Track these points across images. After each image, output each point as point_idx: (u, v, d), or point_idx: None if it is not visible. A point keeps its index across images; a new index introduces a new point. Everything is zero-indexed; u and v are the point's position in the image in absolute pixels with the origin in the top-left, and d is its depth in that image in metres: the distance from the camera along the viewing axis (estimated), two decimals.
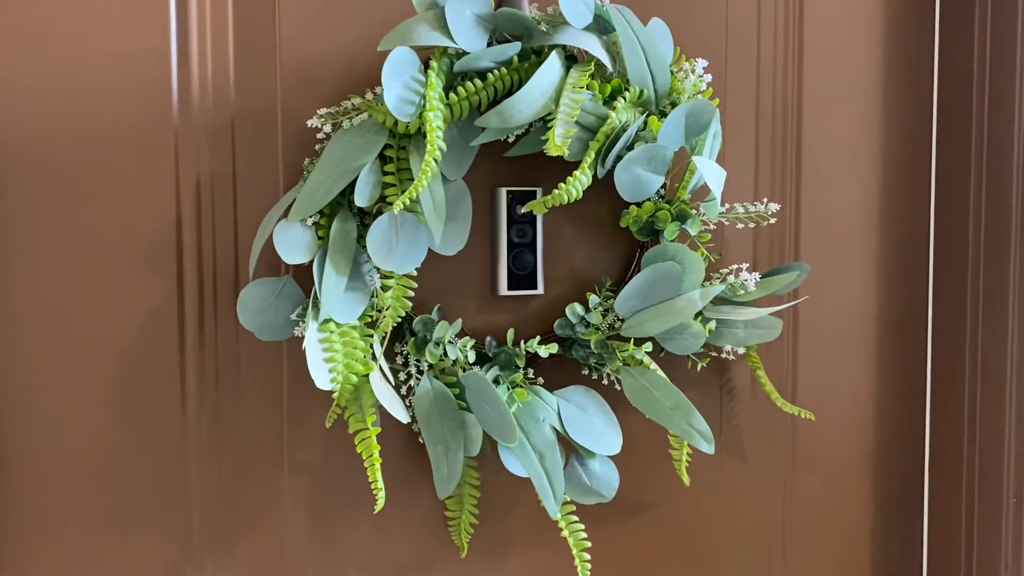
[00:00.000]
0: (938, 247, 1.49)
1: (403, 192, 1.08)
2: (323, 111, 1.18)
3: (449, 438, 1.20)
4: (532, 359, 1.28)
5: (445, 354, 1.21)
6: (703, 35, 1.38)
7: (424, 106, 1.10)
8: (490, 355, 1.27)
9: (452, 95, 1.14)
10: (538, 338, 1.25)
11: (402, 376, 1.25)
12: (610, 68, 1.20)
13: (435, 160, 1.08)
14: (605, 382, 1.31)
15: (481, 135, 1.16)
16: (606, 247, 1.36)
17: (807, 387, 1.46)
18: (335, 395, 1.15)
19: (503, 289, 1.30)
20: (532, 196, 1.29)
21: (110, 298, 1.22)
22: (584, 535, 1.23)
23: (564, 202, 1.12)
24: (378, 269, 1.17)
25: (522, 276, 1.31)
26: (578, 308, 1.28)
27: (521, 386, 1.24)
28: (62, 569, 1.25)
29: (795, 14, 1.42)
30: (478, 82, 1.15)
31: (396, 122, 1.13)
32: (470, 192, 1.21)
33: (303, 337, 1.14)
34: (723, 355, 1.34)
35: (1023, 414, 1.36)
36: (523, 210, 1.16)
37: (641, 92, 1.19)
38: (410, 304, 1.19)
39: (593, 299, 1.28)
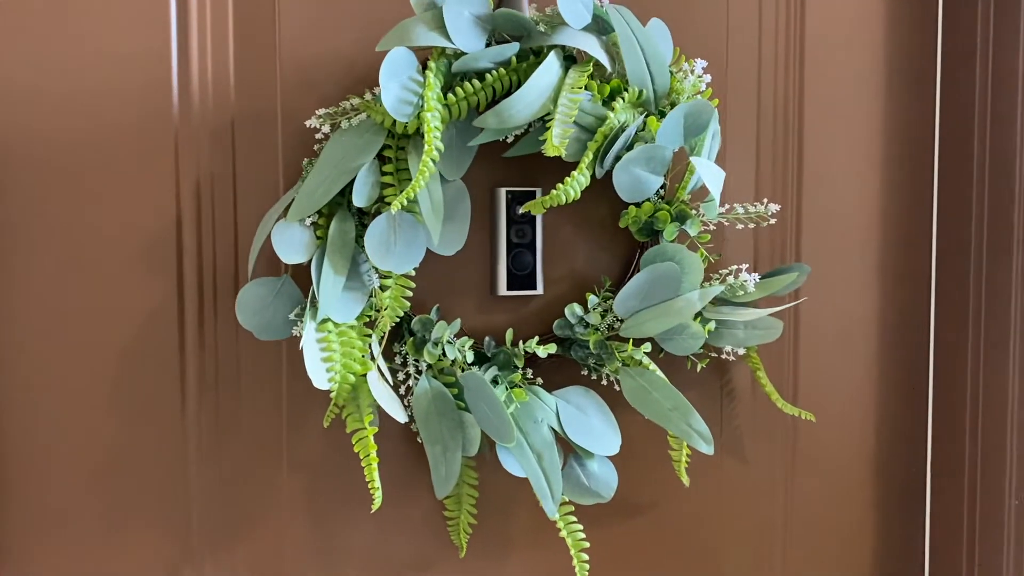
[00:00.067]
0: (940, 248, 1.48)
1: (401, 192, 1.08)
2: (322, 111, 1.18)
3: (447, 438, 1.20)
4: (531, 359, 1.28)
5: (443, 354, 1.21)
6: (704, 35, 1.38)
7: (422, 106, 1.10)
8: (489, 355, 1.27)
9: (450, 96, 1.14)
10: (536, 338, 1.25)
11: (401, 376, 1.25)
12: (609, 68, 1.20)
13: (433, 160, 1.08)
14: (604, 383, 1.31)
15: (479, 135, 1.16)
16: (606, 247, 1.36)
17: (808, 388, 1.46)
18: (333, 395, 1.15)
19: (502, 289, 1.30)
20: (531, 196, 1.29)
21: (110, 298, 1.23)
22: (582, 535, 1.23)
23: (562, 202, 1.12)
24: (376, 269, 1.17)
25: (521, 276, 1.31)
26: (577, 309, 1.28)
27: (519, 386, 1.24)
28: (62, 569, 1.25)
29: (796, 14, 1.41)
30: (476, 83, 1.15)
31: (394, 122, 1.13)
32: (469, 192, 1.21)
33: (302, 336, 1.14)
34: (723, 356, 1.34)
35: None
36: (521, 210, 1.16)
37: (640, 92, 1.19)
38: (408, 304, 1.19)
39: (592, 299, 1.28)
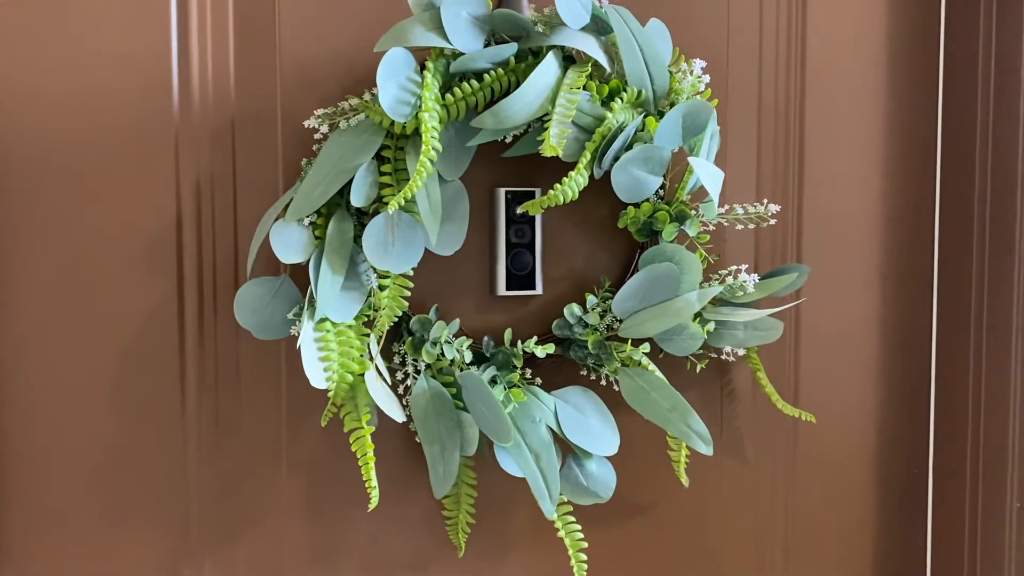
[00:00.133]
0: (942, 249, 1.48)
1: (400, 192, 1.08)
2: (320, 112, 1.18)
3: (445, 437, 1.20)
4: (531, 359, 1.28)
5: (442, 354, 1.22)
6: (704, 35, 1.38)
7: (420, 107, 1.10)
8: (487, 355, 1.27)
9: (448, 96, 1.14)
10: (535, 338, 1.25)
11: (399, 375, 1.25)
12: (608, 69, 1.20)
13: (430, 160, 1.08)
14: (603, 383, 1.30)
15: (477, 136, 1.16)
16: (606, 247, 1.36)
17: (809, 389, 1.46)
18: (330, 394, 1.15)
19: (502, 289, 1.31)
20: (531, 196, 1.29)
21: (110, 298, 1.23)
22: (581, 535, 1.23)
23: (560, 203, 1.12)
24: (375, 269, 1.17)
25: (521, 276, 1.31)
26: (576, 309, 1.28)
27: (518, 386, 1.24)
28: (62, 568, 1.26)
29: (797, 13, 1.41)
30: (475, 83, 1.15)
31: (393, 123, 1.13)
32: (469, 192, 1.21)
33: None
34: (723, 356, 1.34)
35: None
36: (519, 210, 1.16)
37: (639, 93, 1.19)
38: (406, 304, 1.19)
39: (591, 300, 1.28)
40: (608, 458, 1.26)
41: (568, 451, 1.25)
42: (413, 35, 1.10)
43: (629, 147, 1.19)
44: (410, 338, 1.24)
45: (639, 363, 1.24)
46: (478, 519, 1.31)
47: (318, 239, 1.16)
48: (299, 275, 1.18)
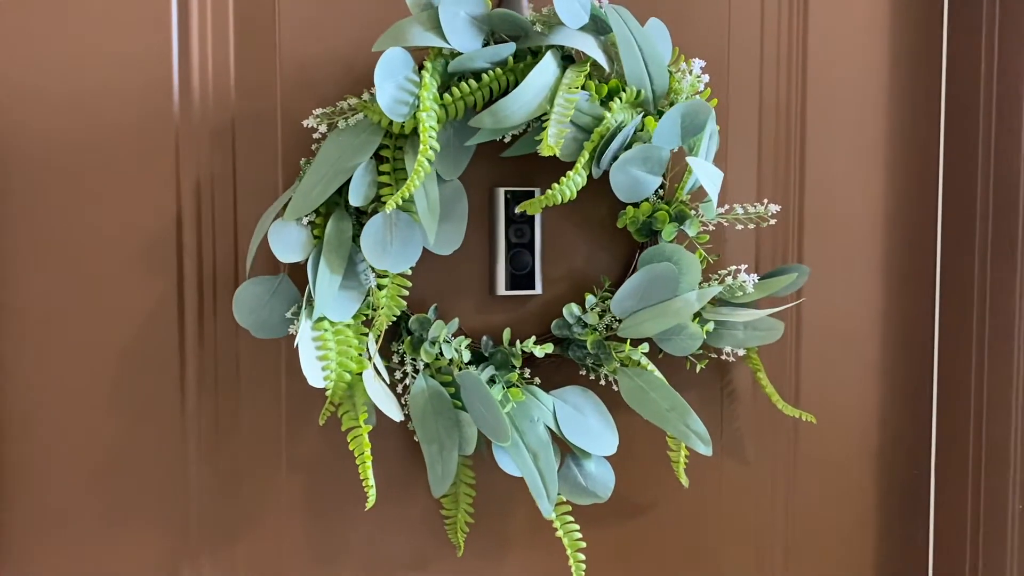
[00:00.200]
0: (944, 249, 1.48)
1: (398, 192, 1.09)
2: (319, 111, 1.18)
3: (444, 437, 1.20)
4: (530, 359, 1.29)
5: (441, 353, 1.22)
6: (705, 34, 1.38)
7: (418, 106, 1.10)
8: (486, 355, 1.27)
9: (447, 96, 1.14)
10: (533, 338, 1.25)
11: (398, 375, 1.25)
12: (607, 68, 1.20)
13: (428, 160, 1.08)
14: (602, 383, 1.30)
15: (475, 135, 1.16)
16: (605, 247, 1.36)
17: (810, 389, 1.46)
18: (328, 393, 1.15)
19: (501, 289, 1.31)
20: (531, 196, 1.29)
21: (110, 298, 1.23)
22: (579, 535, 1.22)
23: (558, 202, 1.12)
24: (373, 268, 1.17)
25: (520, 276, 1.31)
26: (575, 308, 1.28)
27: (516, 386, 1.24)
28: (62, 568, 1.26)
29: (799, 12, 1.41)
30: (473, 83, 1.15)
31: (391, 122, 1.13)
32: (468, 192, 1.22)
33: None
34: (723, 357, 1.34)
35: None
36: (517, 210, 1.16)
37: (638, 92, 1.19)
38: (405, 303, 1.19)
39: (590, 299, 1.28)
40: (607, 458, 1.26)
41: (567, 451, 1.25)
42: (411, 35, 1.10)
43: (628, 147, 1.19)
44: (409, 337, 1.24)
45: (638, 363, 1.24)
46: (477, 518, 1.31)
47: (317, 238, 1.16)
48: (298, 274, 1.18)
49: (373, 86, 1.17)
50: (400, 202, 1.07)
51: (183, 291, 1.25)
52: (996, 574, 1.40)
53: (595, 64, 1.19)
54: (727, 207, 1.33)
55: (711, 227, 1.32)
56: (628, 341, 1.24)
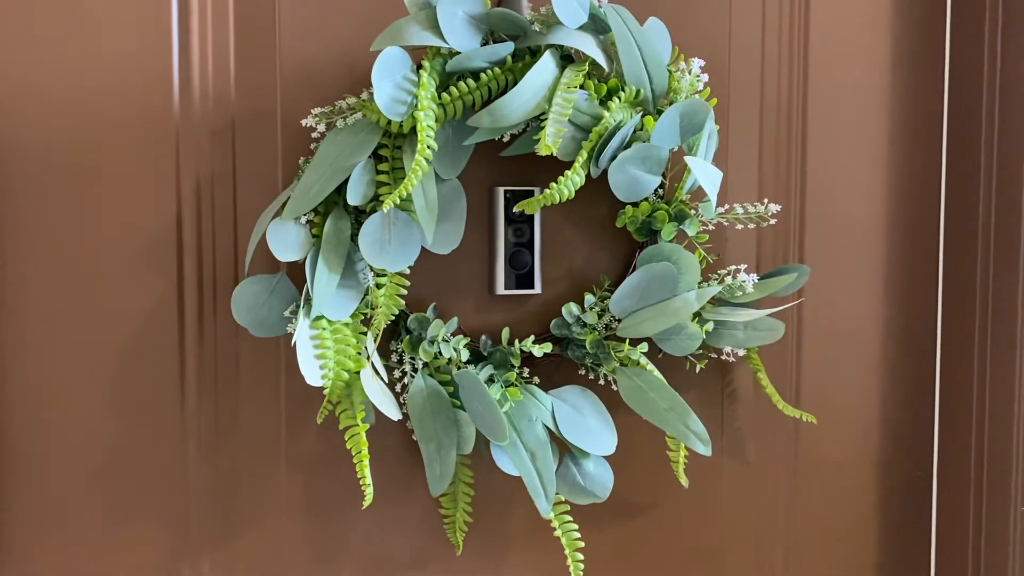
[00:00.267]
0: (947, 249, 1.47)
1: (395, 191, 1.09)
2: (317, 110, 1.19)
3: (442, 436, 1.20)
4: (529, 359, 1.29)
5: (439, 352, 1.22)
6: (706, 33, 1.38)
7: (415, 106, 1.10)
8: (485, 354, 1.27)
9: (445, 95, 1.14)
10: (532, 337, 1.25)
11: (397, 374, 1.25)
12: (606, 68, 1.19)
13: (426, 159, 1.08)
14: (602, 382, 1.30)
15: (473, 135, 1.16)
16: (605, 247, 1.36)
17: (811, 390, 1.45)
18: (326, 391, 1.15)
19: (501, 288, 1.31)
20: (530, 196, 1.28)
21: (110, 298, 1.24)
22: (577, 535, 1.22)
23: (556, 201, 1.12)
24: (371, 267, 1.17)
25: (520, 275, 1.31)
26: (574, 308, 1.28)
27: (515, 385, 1.24)
28: (62, 568, 1.26)
29: (800, 11, 1.41)
30: (471, 82, 1.15)
31: (390, 121, 1.13)
32: (468, 191, 1.22)
33: None
34: (723, 357, 1.33)
35: None
36: (515, 209, 1.16)
37: (637, 92, 1.19)
38: (403, 302, 1.19)
39: (589, 299, 1.28)
40: (607, 458, 1.26)
41: (566, 451, 1.25)
42: (409, 34, 1.10)
43: (627, 146, 1.18)
44: (408, 336, 1.24)
45: (637, 363, 1.23)
46: (476, 518, 1.31)
47: (315, 237, 1.16)
48: (296, 273, 1.18)
49: (372, 85, 1.18)
50: (398, 201, 1.08)
51: (183, 291, 1.26)
52: (998, 574, 1.39)
53: (594, 63, 1.19)
54: (727, 207, 1.32)
55: (711, 227, 1.31)
56: (627, 341, 1.24)
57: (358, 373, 1.15)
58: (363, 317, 1.20)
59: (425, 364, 1.24)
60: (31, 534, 1.25)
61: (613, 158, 1.17)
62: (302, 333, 1.13)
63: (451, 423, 1.21)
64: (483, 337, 1.29)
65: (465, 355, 1.22)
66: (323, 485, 1.31)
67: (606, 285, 1.31)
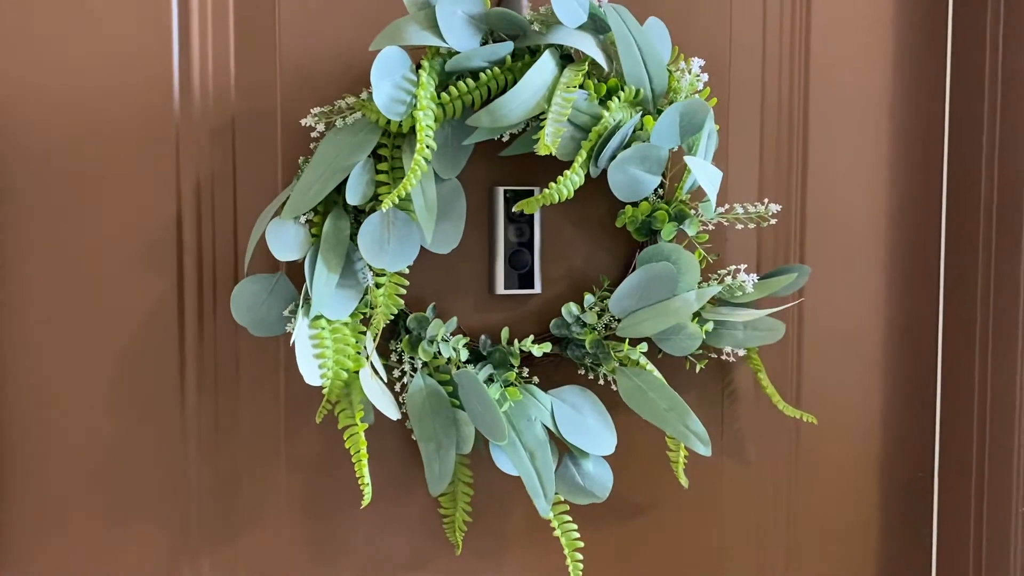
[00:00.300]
0: (949, 249, 1.47)
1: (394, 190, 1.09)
2: (317, 110, 1.19)
3: (441, 435, 1.20)
4: (529, 358, 1.28)
5: (439, 352, 1.21)
6: (707, 33, 1.38)
7: (415, 105, 1.10)
8: (484, 354, 1.27)
9: (444, 95, 1.14)
10: (532, 337, 1.25)
11: (396, 373, 1.25)
12: (606, 67, 1.19)
13: (425, 159, 1.08)
14: (601, 382, 1.30)
15: (473, 134, 1.16)
16: (605, 246, 1.35)
17: (812, 390, 1.45)
18: (325, 391, 1.15)
19: (500, 288, 1.31)
20: (530, 195, 1.29)
21: (110, 298, 1.24)
22: (577, 535, 1.22)
23: (555, 201, 1.12)
24: (371, 267, 1.17)
25: (520, 275, 1.31)
26: (573, 308, 1.27)
27: (514, 385, 1.24)
28: (62, 568, 1.26)
29: (802, 10, 1.41)
30: (471, 82, 1.15)
31: (389, 121, 1.13)
32: (468, 191, 1.22)
33: None
34: (723, 357, 1.33)
35: None
36: (514, 209, 1.15)
37: (637, 92, 1.19)
38: (402, 302, 1.19)
39: (589, 299, 1.27)
40: (607, 458, 1.26)
41: (565, 450, 1.25)
42: (408, 34, 1.10)
43: (627, 146, 1.18)
44: (407, 336, 1.24)
45: (637, 363, 1.23)
46: (475, 517, 1.31)
47: (314, 237, 1.16)
48: (296, 272, 1.18)
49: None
50: (396, 200, 1.08)
51: (183, 290, 1.26)
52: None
53: (594, 63, 1.19)
54: (727, 207, 1.32)
55: (711, 227, 1.31)
56: (627, 341, 1.24)
57: (357, 373, 1.15)
58: (362, 317, 1.20)
59: (424, 364, 1.24)
60: (31, 534, 1.25)
61: (612, 158, 1.17)
62: (301, 332, 1.13)
63: (450, 423, 1.21)
64: (482, 337, 1.29)
65: (464, 355, 1.22)
66: (323, 485, 1.31)
67: (606, 285, 1.31)
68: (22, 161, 1.20)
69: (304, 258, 1.15)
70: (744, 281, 1.25)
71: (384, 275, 1.18)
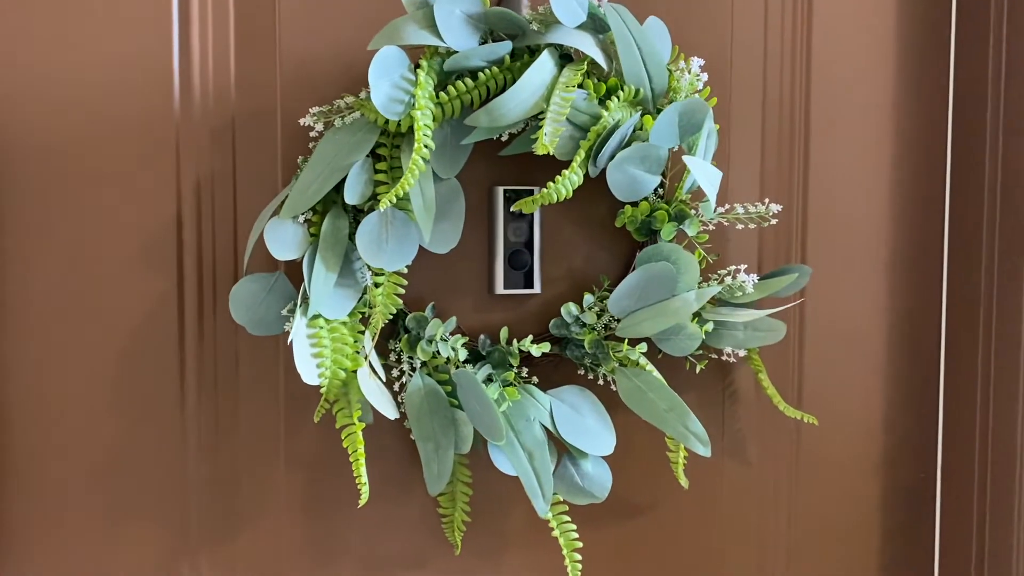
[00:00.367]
0: (951, 249, 1.46)
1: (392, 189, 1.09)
2: (315, 109, 1.18)
3: (439, 435, 1.20)
4: (528, 358, 1.28)
5: (437, 352, 1.21)
6: (707, 31, 1.37)
7: (413, 105, 1.10)
8: (483, 353, 1.27)
9: (443, 94, 1.14)
10: (531, 337, 1.25)
11: (395, 373, 1.25)
12: (605, 67, 1.19)
13: (423, 158, 1.08)
14: (601, 382, 1.30)
15: (471, 134, 1.16)
16: (605, 246, 1.35)
17: (813, 391, 1.45)
18: (323, 390, 1.15)
19: (500, 288, 1.30)
20: (529, 195, 1.28)
21: (110, 298, 1.24)
22: (576, 535, 1.22)
23: (553, 201, 1.11)
24: (369, 266, 1.17)
25: (519, 275, 1.31)
26: (573, 308, 1.27)
27: (513, 385, 1.23)
28: (62, 567, 1.26)
29: (803, 8, 1.40)
30: (469, 81, 1.15)
31: (388, 120, 1.13)
32: (467, 191, 1.22)
33: None
34: (723, 357, 1.33)
35: None
36: (512, 208, 1.15)
37: (637, 91, 1.19)
38: (400, 301, 1.19)
39: (588, 299, 1.27)
40: (607, 458, 1.25)
41: (564, 451, 1.25)
42: (406, 33, 1.10)
43: (626, 145, 1.18)
44: (406, 335, 1.24)
45: (636, 363, 1.23)
46: (474, 517, 1.31)
47: (313, 236, 1.16)
48: (294, 272, 1.18)
49: None
50: (394, 200, 1.08)
51: (183, 290, 1.26)
52: None
53: (594, 63, 1.19)
54: (728, 206, 1.32)
55: (711, 227, 1.31)
56: (626, 341, 1.24)
57: (355, 372, 1.15)
58: (361, 316, 1.20)
59: (423, 363, 1.24)
60: (31, 534, 1.25)
61: (611, 157, 1.17)
62: (299, 332, 1.13)
63: (449, 422, 1.21)
64: (482, 336, 1.28)
65: (463, 354, 1.22)
66: (322, 484, 1.31)
67: (605, 285, 1.31)
68: (22, 161, 1.21)
69: (303, 257, 1.16)
70: (744, 281, 1.25)
71: (383, 274, 1.18)
